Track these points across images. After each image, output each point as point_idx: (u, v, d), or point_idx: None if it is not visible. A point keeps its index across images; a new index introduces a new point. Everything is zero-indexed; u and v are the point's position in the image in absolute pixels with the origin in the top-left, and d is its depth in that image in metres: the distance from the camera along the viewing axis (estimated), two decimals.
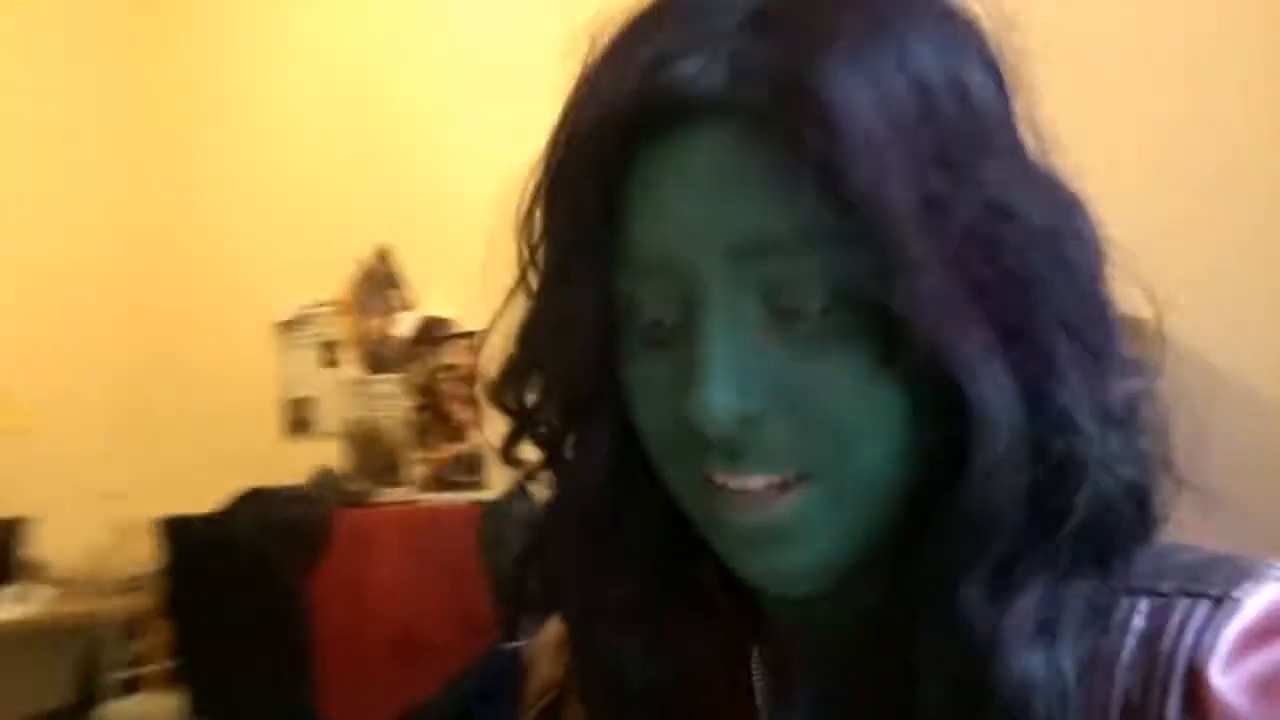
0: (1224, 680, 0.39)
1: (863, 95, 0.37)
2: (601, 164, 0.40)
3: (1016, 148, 0.42)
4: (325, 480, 2.98)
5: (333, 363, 3.54)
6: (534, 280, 0.46)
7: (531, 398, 0.48)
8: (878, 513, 0.42)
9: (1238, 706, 0.38)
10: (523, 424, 0.48)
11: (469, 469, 3.09)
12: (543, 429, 0.48)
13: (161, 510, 2.80)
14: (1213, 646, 0.39)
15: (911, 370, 0.39)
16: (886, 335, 0.39)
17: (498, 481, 2.58)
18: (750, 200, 0.39)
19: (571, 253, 0.43)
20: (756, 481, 0.41)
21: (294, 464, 3.17)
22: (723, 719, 0.49)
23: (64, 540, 3.50)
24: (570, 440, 0.48)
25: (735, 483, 0.41)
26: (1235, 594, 0.40)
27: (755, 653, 0.49)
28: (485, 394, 0.48)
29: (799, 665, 0.47)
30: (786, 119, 0.37)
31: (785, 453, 0.41)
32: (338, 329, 3.52)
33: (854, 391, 0.40)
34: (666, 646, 0.48)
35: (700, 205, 0.39)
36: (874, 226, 0.37)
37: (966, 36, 0.42)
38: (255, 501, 2.61)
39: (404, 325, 3.31)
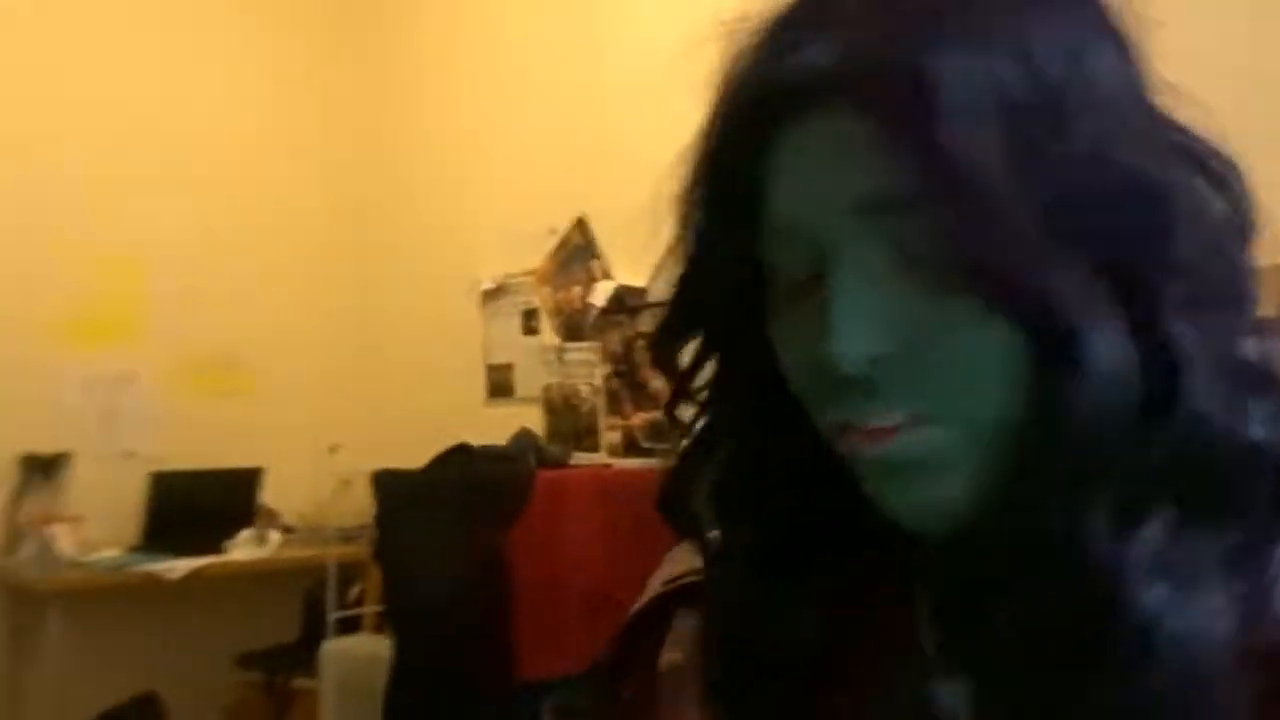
0: None
1: (965, 57, 0.41)
2: (746, 143, 0.46)
3: (1129, 103, 0.44)
4: (525, 441, 3.10)
5: (532, 330, 3.67)
6: (689, 249, 0.51)
7: (687, 357, 0.53)
8: (1006, 448, 0.44)
9: None
10: (682, 382, 0.53)
11: (661, 435, 3.14)
12: (699, 386, 0.53)
13: (376, 464, 3.00)
14: None
15: (1021, 315, 0.42)
16: (995, 282, 0.42)
17: None
18: (870, 164, 0.43)
19: (722, 223, 0.48)
20: (892, 418, 0.44)
21: (496, 426, 3.31)
22: (883, 655, 0.50)
23: (290, 490, 3.80)
24: (723, 392, 0.52)
25: (871, 422, 0.44)
26: None
27: (916, 601, 0.50)
28: (648, 355, 0.53)
29: (956, 612, 0.47)
30: (892, 94, 0.41)
31: (913, 393, 0.44)
32: (538, 298, 3.64)
33: (971, 334, 0.43)
34: (810, 595, 0.51)
35: (827, 171, 0.44)
36: (966, 184, 0.40)
37: (1084, 3, 0.45)
38: (461, 457, 2.73)
39: (600, 294, 3.39)
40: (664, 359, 0.53)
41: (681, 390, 0.54)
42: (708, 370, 0.53)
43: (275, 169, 4.14)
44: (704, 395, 0.54)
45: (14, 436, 3.46)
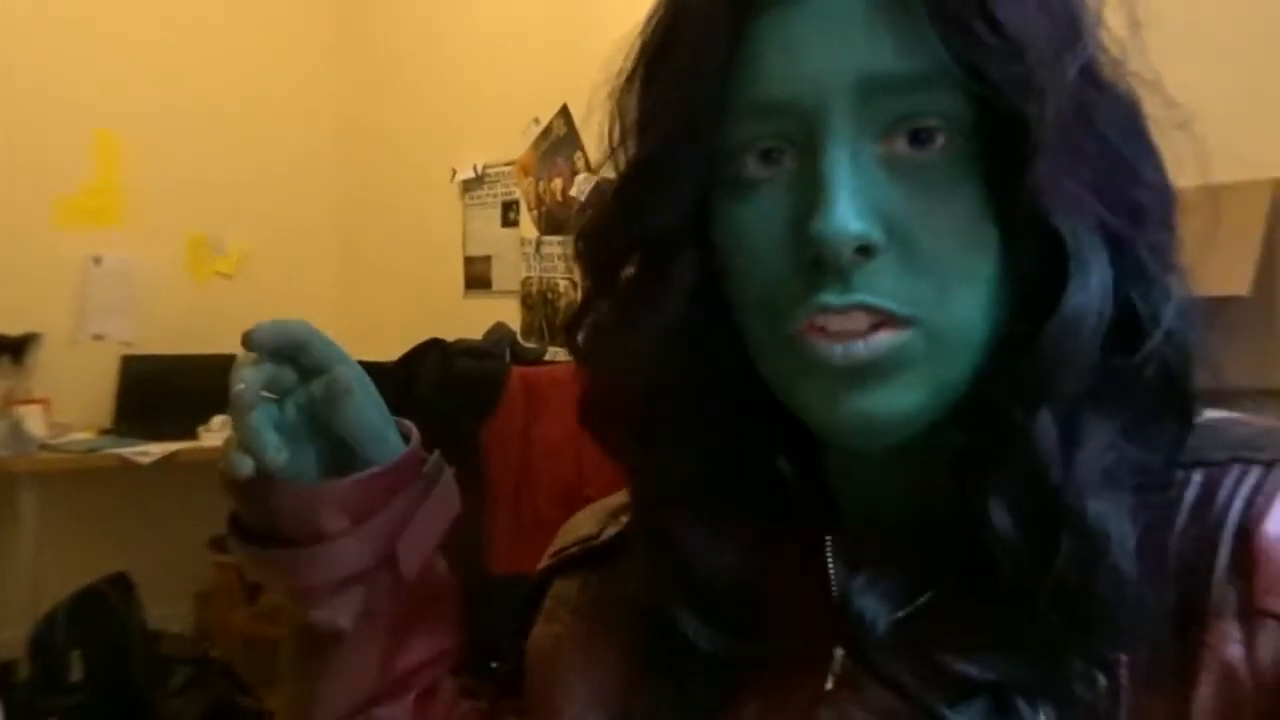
0: (1273, 536, 0.40)
1: None
2: (731, 17, 0.43)
3: (1099, 42, 0.45)
4: (501, 337, 3.08)
5: (512, 222, 3.62)
6: (633, 145, 0.47)
7: (618, 252, 0.49)
8: (965, 364, 0.43)
9: None
10: (607, 277, 0.49)
11: None
12: (624, 286, 0.49)
13: (352, 353, 2.97)
14: (1265, 507, 0.41)
15: (1019, 206, 0.41)
16: (996, 177, 0.41)
17: None
18: (880, 38, 0.41)
19: (691, 102, 0.44)
20: (859, 320, 0.42)
21: (474, 318, 3.28)
22: (796, 608, 0.49)
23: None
24: (652, 294, 0.47)
25: (838, 324, 0.42)
26: None
27: (829, 541, 0.49)
28: (575, 249, 0.50)
29: (873, 550, 0.47)
30: None
31: (892, 290, 0.42)
32: (519, 189, 3.58)
33: (959, 233, 0.42)
34: (728, 528, 0.49)
35: (832, 43, 0.42)
36: (1020, 52, 0.40)
37: None
38: (434, 353, 2.72)
39: (582, 187, 3.33)
40: (596, 259, 0.50)
41: (602, 292, 0.50)
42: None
43: (255, 55, 4.03)
44: (624, 301, 0.49)
45: None
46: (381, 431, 0.56)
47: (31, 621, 3.10)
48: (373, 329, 3.62)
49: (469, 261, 3.76)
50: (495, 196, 3.68)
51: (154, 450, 3.29)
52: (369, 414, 0.55)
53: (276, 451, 0.51)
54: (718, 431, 0.49)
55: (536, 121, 3.45)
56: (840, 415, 0.44)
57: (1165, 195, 0.45)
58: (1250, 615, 0.40)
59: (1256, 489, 0.42)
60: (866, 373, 0.42)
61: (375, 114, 4.09)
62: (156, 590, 3.39)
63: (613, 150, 0.49)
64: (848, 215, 0.40)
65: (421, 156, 3.87)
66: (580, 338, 0.51)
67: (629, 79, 0.47)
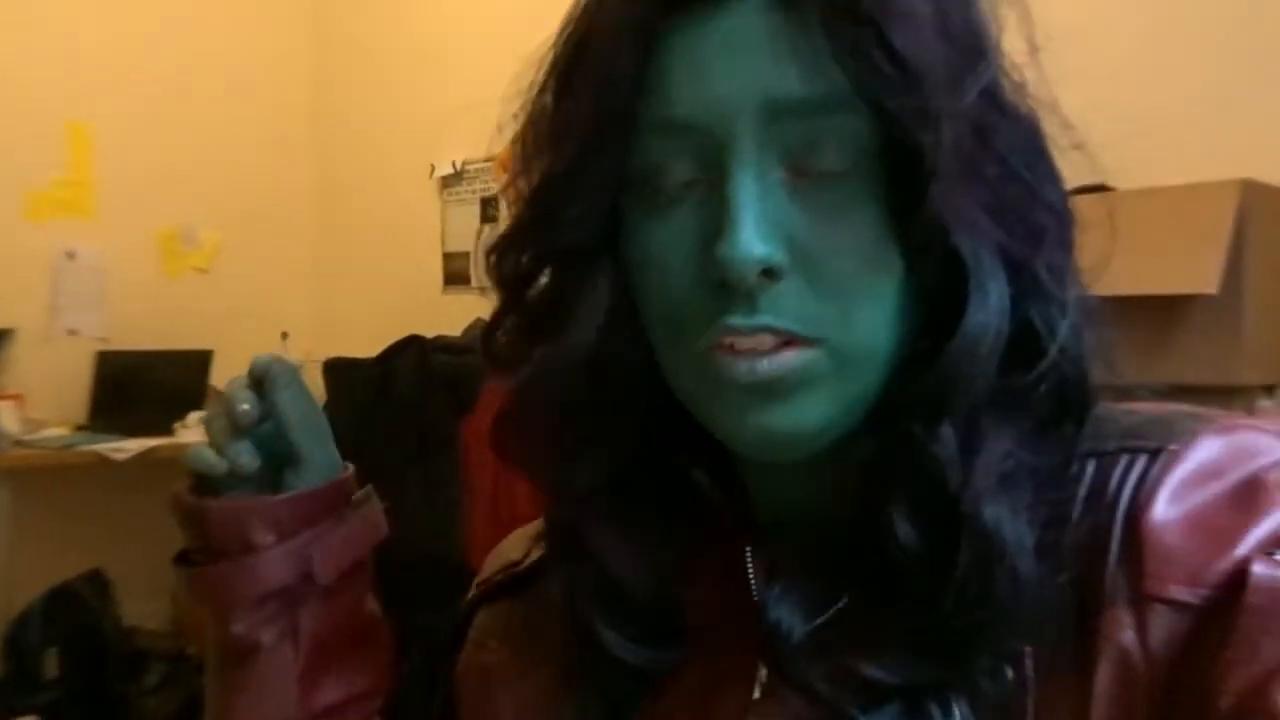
0: (1157, 522, 0.42)
1: None
2: (640, 30, 0.43)
3: (1002, 58, 0.46)
4: (479, 334, 3.08)
5: (491, 219, 3.61)
6: (546, 160, 0.48)
7: (529, 264, 0.50)
8: (871, 380, 0.45)
9: (1169, 544, 0.41)
10: (518, 290, 0.50)
11: None
12: (535, 299, 0.50)
13: (329, 350, 2.96)
14: (1150, 494, 0.43)
15: (917, 229, 0.42)
16: (897, 200, 0.42)
17: None
18: (785, 63, 0.42)
19: (599, 118, 0.45)
20: (766, 340, 0.43)
21: (452, 315, 3.28)
22: (720, 617, 0.50)
23: (241, 373, 3.76)
24: (563, 308, 0.48)
25: (745, 343, 0.43)
26: (1172, 446, 0.44)
27: (748, 551, 0.50)
28: (485, 264, 0.51)
29: (791, 559, 0.48)
30: None
31: (797, 311, 0.43)
32: (498, 185, 3.58)
33: (862, 255, 0.43)
34: (644, 538, 0.50)
35: (739, 66, 0.42)
36: (915, 81, 0.40)
37: None
38: (413, 349, 2.72)
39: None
40: (506, 271, 0.51)
41: (514, 305, 0.51)
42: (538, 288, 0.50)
43: (228, 46, 3.99)
44: (536, 315, 0.50)
45: None
46: (318, 462, 0.60)
47: (5, 619, 3.09)
48: (350, 325, 3.62)
49: (448, 258, 3.76)
50: (474, 193, 3.67)
51: (130, 446, 3.27)
52: (309, 437, 0.60)
53: (251, 458, 0.57)
54: (630, 443, 0.50)
55: (516, 117, 3.44)
56: (746, 431, 0.45)
57: (1063, 215, 0.46)
58: (1140, 601, 0.41)
59: (1142, 477, 0.43)
60: (771, 390, 0.43)
61: (352, 108, 4.08)
62: (133, 587, 3.37)
63: (525, 163, 0.49)
64: (752, 240, 0.41)
65: (399, 152, 3.85)
66: (492, 351, 0.52)
67: (540, 91, 0.49)
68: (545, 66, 0.48)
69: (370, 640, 0.63)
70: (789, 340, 0.43)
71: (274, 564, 0.57)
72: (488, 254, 0.51)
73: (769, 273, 0.42)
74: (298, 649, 0.59)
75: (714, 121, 0.43)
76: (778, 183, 0.43)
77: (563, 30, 0.48)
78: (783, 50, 0.42)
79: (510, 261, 0.50)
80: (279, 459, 0.59)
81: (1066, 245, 0.46)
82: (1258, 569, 0.39)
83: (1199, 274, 1.52)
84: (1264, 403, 1.64)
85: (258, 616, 0.58)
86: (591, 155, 0.45)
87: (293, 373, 0.60)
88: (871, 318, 0.44)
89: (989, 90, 0.44)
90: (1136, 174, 1.66)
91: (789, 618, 0.46)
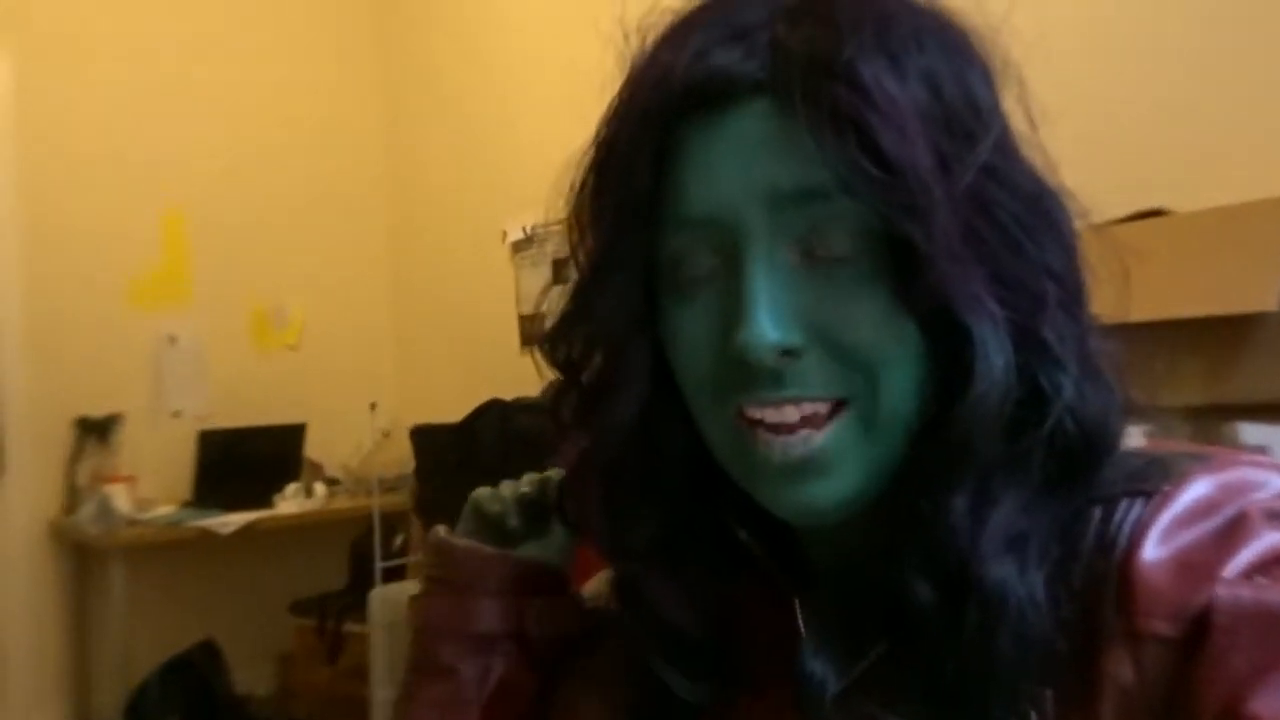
0: (1146, 562, 0.43)
1: (886, 73, 0.44)
2: (655, 138, 0.47)
3: (1005, 130, 0.48)
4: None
5: (564, 280, 3.67)
6: (584, 251, 0.53)
7: (578, 349, 0.54)
8: (898, 441, 0.47)
9: (1157, 583, 0.42)
10: (571, 374, 0.55)
11: None
12: (586, 379, 0.54)
13: (415, 415, 3.04)
14: (1139, 535, 0.44)
15: (923, 306, 0.44)
16: (902, 278, 0.45)
17: None
18: (787, 159, 0.45)
19: (623, 217, 0.49)
20: (793, 414, 0.46)
21: (530, 376, 3.34)
22: (770, 662, 0.53)
23: (333, 444, 3.88)
24: (609, 387, 0.52)
25: (774, 416, 0.47)
26: (1166, 487, 0.45)
27: (797, 602, 0.53)
28: (539, 350, 0.56)
29: (830, 609, 0.51)
30: (824, 93, 0.43)
31: (823, 379, 0.46)
32: (568, 247, 3.65)
33: (877, 327, 0.46)
34: (697, 590, 0.53)
35: (744, 164, 0.46)
36: (899, 178, 0.43)
37: (962, 38, 0.49)
38: (494, 412, 2.78)
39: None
40: (560, 359, 0.55)
41: (571, 385, 0.55)
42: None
43: (309, 129, 4.17)
44: (589, 391, 0.54)
45: (68, 401, 3.56)
46: (561, 543, 0.69)
47: (123, 689, 3.21)
48: (433, 390, 3.71)
49: (523, 319, 3.85)
50: (545, 255, 3.76)
51: (233, 520, 3.40)
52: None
53: (519, 520, 0.67)
54: (679, 504, 0.54)
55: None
56: (783, 505, 0.48)
57: (1068, 279, 0.48)
58: (1133, 638, 0.43)
59: (1137, 520, 0.45)
60: (805, 469, 0.47)
61: (426, 182, 4.21)
62: (240, 654, 3.49)
63: (573, 254, 0.54)
64: (766, 326, 0.44)
65: (471, 221, 3.97)
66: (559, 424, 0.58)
67: (580, 188, 0.52)
68: (583, 167, 0.52)
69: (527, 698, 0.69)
70: (814, 415, 0.46)
71: (493, 610, 0.64)
72: (540, 345, 0.56)
73: (788, 353, 0.45)
74: (483, 687, 0.64)
75: (726, 215, 0.46)
76: (789, 268, 0.46)
77: (597, 133, 0.51)
78: (784, 145, 0.45)
79: (562, 350, 0.55)
80: (539, 527, 0.68)
81: (1073, 307, 0.47)
82: (1220, 592, 0.41)
83: (1257, 292, 1.52)
84: None
85: (463, 648, 0.64)
86: (619, 251, 0.49)
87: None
88: (897, 379, 0.46)
89: (988, 165, 0.45)
90: (1192, 196, 1.66)
91: (823, 670, 0.48)
